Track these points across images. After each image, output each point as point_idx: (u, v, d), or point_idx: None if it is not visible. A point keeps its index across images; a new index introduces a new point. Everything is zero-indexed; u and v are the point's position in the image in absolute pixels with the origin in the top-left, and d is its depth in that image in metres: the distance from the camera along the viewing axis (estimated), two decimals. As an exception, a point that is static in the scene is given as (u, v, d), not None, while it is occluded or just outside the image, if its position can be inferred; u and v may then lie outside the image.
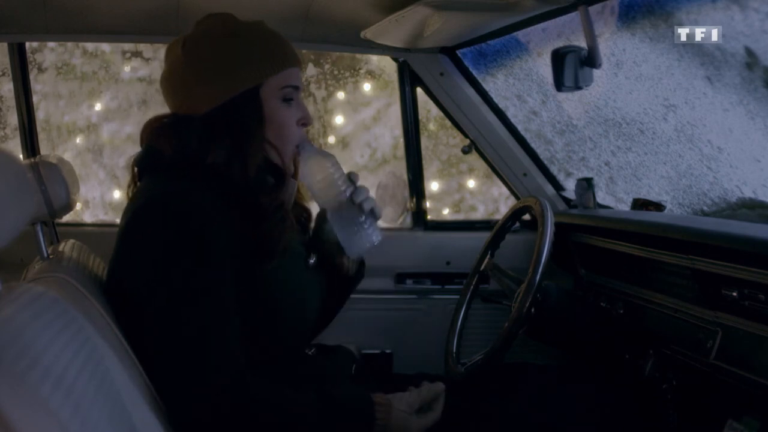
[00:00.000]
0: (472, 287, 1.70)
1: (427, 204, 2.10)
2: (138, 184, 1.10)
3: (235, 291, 1.01)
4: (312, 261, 1.18)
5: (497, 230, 1.70)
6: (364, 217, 1.11)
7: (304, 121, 1.12)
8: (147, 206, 1.01)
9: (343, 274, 1.24)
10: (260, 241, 1.04)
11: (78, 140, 2.65)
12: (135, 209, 1.02)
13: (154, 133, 1.09)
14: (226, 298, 0.99)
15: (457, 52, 1.93)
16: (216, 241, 0.98)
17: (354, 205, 1.11)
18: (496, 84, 2.84)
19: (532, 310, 1.38)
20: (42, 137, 2.10)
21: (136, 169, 1.11)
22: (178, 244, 0.96)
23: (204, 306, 0.96)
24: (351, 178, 1.12)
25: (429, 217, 2.10)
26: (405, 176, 2.05)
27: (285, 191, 1.10)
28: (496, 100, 1.99)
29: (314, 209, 1.24)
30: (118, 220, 1.11)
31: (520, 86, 2.91)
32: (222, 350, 0.97)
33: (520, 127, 2.01)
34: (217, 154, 1.04)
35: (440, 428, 1.16)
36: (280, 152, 1.10)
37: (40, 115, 2.45)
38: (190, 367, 0.95)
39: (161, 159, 1.05)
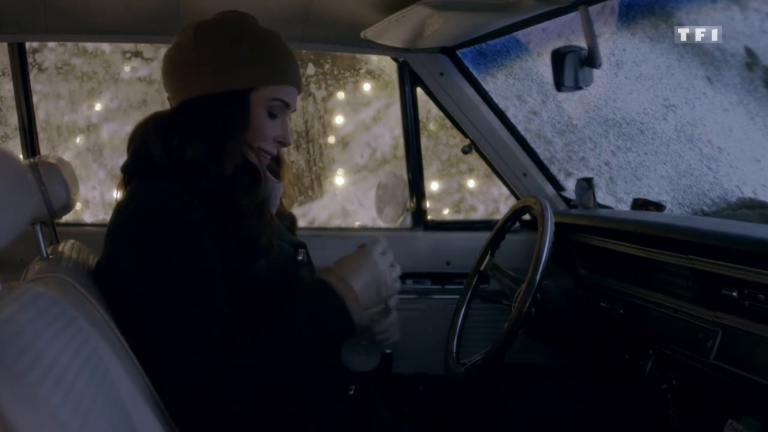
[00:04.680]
0: (472, 287, 1.70)
1: (427, 204, 2.10)
2: (128, 188, 1.11)
3: (231, 293, 1.00)
4: (301, 258, 1.18)
5: (497, 230, 1.70)
6: (367, 342, 1.09)
7: (282, 140, 1.12)
8: (132, 207, 1.02)
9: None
10: (241, 241, 1.04)
11: (78, 140, 2.65)
12: (120, 211, 1.04)
13: (141, 138, 1.10)
14: (221, 296, 0.99)
15: (457, 52, 1.93)
16: (203, 239, 0.98)
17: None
18: (496, 84, 2.84)
19: (532, 310, 1.38)
20: (42, 137, 2.10)
21: (124, 174, 1.12)
22: (164, 241, 0.97)
23: (200, 300, 0.96)
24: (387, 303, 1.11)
25: (429, 217, 2.09)
26: (405, 176, 2.05)
27: (264, 191, 1.10)
28: (496, 100, 1.99)
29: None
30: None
31: (520, 86, 2.91)
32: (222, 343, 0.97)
33: (520, 127, 2.01)
34: (197, 148, 1.04)
35: (441, 428, 1.16)
36: (257, 154, 1.10)
37: (40, 115, 2.46)
38: (189, 366, 0.94)
39: (148, 162, 1.06)
